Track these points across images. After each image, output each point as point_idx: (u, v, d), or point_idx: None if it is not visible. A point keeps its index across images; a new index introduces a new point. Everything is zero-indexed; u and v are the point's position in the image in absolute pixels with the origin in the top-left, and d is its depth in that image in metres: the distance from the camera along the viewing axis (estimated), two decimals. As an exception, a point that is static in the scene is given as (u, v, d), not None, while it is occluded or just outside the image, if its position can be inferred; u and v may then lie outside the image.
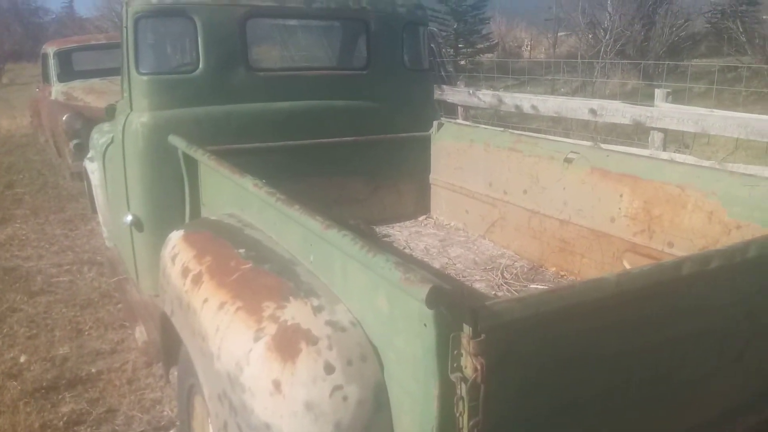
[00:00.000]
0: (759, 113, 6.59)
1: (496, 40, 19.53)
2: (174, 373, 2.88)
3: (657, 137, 5.84)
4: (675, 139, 7.22)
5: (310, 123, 4.01)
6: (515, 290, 3.27)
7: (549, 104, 6.84)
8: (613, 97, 10.48)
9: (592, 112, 6.33)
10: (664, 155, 5.78)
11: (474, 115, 9.62)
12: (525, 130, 7.49)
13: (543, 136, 7.12)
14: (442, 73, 9.52)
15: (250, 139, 3.78)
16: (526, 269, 3.53)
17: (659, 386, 1.91)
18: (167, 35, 3.78)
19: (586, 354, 1.71)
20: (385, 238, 4.08)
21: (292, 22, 4.51)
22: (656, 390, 1.91)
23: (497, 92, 7.70)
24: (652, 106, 5.78)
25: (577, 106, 6.53)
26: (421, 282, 1.41)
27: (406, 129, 4.37)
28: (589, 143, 6.53)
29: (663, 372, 1.91)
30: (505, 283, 3.34)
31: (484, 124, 8.72)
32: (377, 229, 4.25)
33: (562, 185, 3.40)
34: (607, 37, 13.33)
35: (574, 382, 1.68)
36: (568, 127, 9.03)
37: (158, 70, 3.57)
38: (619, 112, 6.07)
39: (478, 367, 1.38)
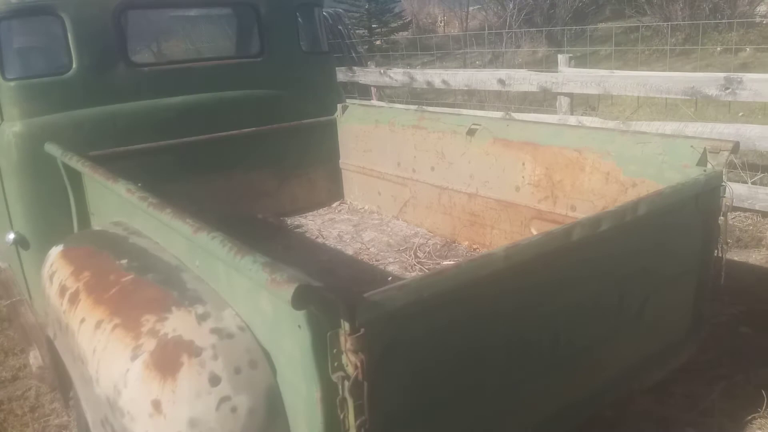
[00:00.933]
0: (660, 70, 6.83)
1: (410, 18, 19.49)
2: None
3: (564, 102, 5.93)
4: (582, 102, 7.40)
5: (204, 117, 3.81)
6: (428, 269, 3.22)
7: (459, 78, 6.84)
8: (524, 66, 10.64)
9: (501, 82, 6.37)
10: (572, 119, 5.88)
11: (389, 94, 9.55)
12: (441, 106, 7.49)
13: (457, 110, 7.14)
14: (353, 55, 9.38)
15: (141, 139, 3.55)
16: (439, 246, 3.49)
17: (560, 354, 1.89)
18: (34, 35, 3.48)
19: (478, 335, 1.66)
20: (297, 230, 3.96)
21: (178, 12, 4.26)
22: (557, 359, 1.89)
23: (408, 70, 7.65)
24: (557, 72, 5.86)
25: (486, 78, 6.55)
26: (287, 282, 1.30)
27: (310, 115, 4.23)
28: (501, 114, 6.58)
29: (563, 340, 1.89)
30: (419, 262, 3.29)
31: (400, 102, 8.66)
32: (289, 221, 4.11)
33: (467, 159, 3.36)
34: (511, 6, 13.51)
35: (468, 365, 1.63)
36: (483, 99, 9.10)
37: (27, 74, 3.28)
38: (526, 80, 6.13)
39: (359, 364, 1.29)
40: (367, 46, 12.56)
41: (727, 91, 4.59)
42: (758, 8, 12.79)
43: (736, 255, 4.63)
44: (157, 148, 3.60)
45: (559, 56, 5.85)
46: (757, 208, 4.84)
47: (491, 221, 3.30)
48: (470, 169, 3.35)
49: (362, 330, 1.31)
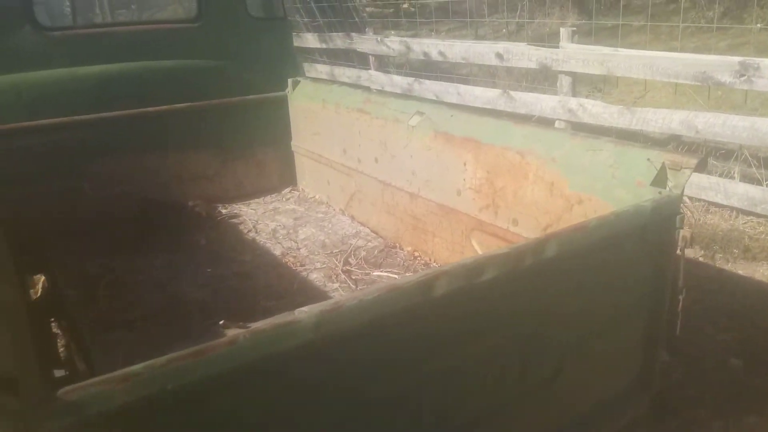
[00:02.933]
0: (693, 47, 6.10)
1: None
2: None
3: (565, 81, 5.34)
4: (588, 82, 6.71)
5: (129, 89, 3.39)
6: (355, 278, 2.78)
7: (456, 50, 6.26)
8: (548, 38, 9.88)
9: (499, 56, 5.78)
10: (573, 101, 5.30)
11: (396, 63, 8.94)
12: (443, 80, 6.88)
13: (455, 85, 6.55)
14: (356, 20, 8.81)
15: (52, 113, 3.16)
16: (377, 251, 3.04)
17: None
18: None
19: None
20: (233, 220, 3.54)
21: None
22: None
23: (405, 39, 7.07)
24: (558, 47, 5.26)
25: (484, 51, 5.96)
26: None
27: (259, 89, 3.78)
28: (498, 92, 6.00)
29: (429, 419, 1.45)
30: (348, 270, 2.85)
31: (403, 75, 8.03)
32: (228, 209, 3.70)
33: (409, 153, 2.88)
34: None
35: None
36: (493, 73, 8.46)
37: None
38: (525, 55, 5.53)
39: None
40: (370, 10, 11.78)
41: (742, 79, 3.96)
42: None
43: (741, 268, 4.07)
44: (71, 123, 3.21)
45: (561, 29, 5.24)
46: (770, 213, 4.24)
47: (432, 227, 2.83)
48: (412, 165, 2.87)
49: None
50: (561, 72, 5.30)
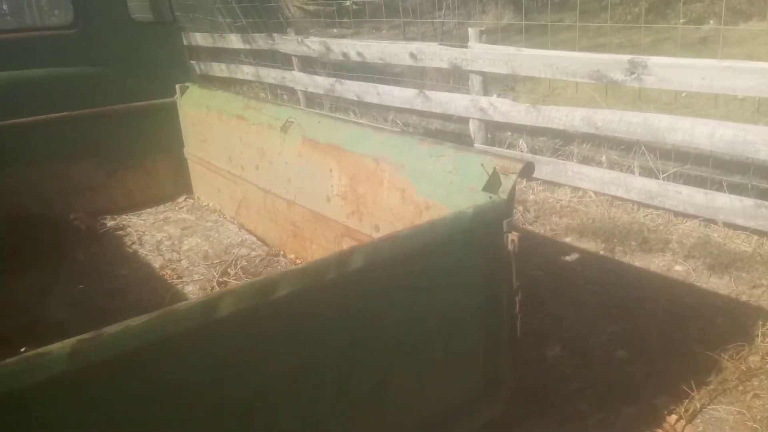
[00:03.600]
0: (618, 42, 6.21)
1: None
2: None
3: (476, 80, 5.38)
4: (500, 82, 6.77)
5: (3, 100, 3.24)
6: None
7: (373, 50, 6.25)
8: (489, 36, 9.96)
9: (413, 56, 5.79)
10: (484, 100, 5.34)
11: (334, 64, 8.85)
12: (386, 81, 6.81)
13: (373, 85, 6.54)
14: (280, 19, 8.70)
15: None
16: (258, 260, 2.99)
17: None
18: None
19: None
20: (118, 232, 3.44)
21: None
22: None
23: (324, 39, 7.01)
24: (466, 47, 5.29)
25: (398, 51, 5.97)
26: None
27: (145, 96, 3.67)
28: (416, 91, 6.02)
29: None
30: (224, 281, 2.79)
31: (330, 76, 7.97)
32: (115, 221, 3.59)
33: (283, 159, 2.84)
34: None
35: None
36: (425, 73, 8.47)
37: None
38: (437, 55, 5.55)
39: None
40: (311, 8, 11.69)
41: (633, 76, 4.06)
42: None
43: (638, 259, 4.17)
44: None
45: (470, 30, 5.27)
46: (667, 206, 4.36)
47: (309, 234, 2.80)
48: (287, 172, 2.83)
49: None
50: (471, 71, 5.34)
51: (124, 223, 3.56)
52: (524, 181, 5.33)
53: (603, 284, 3.89)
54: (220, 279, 2.79)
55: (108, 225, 3.50)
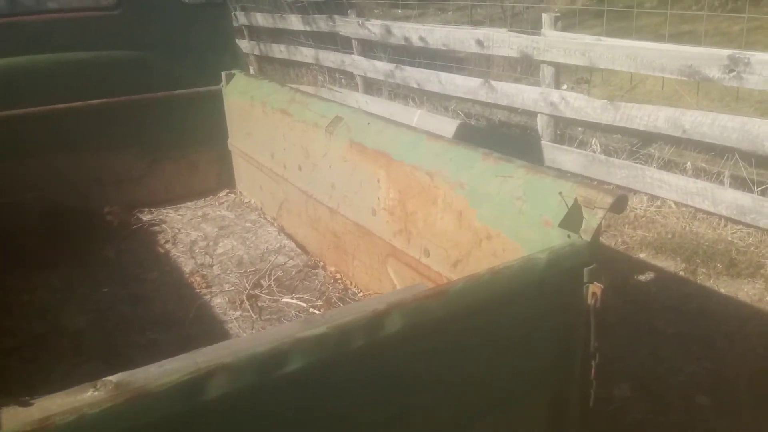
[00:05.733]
0: (704, 30, 5.59)
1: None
2: None
3: (547, 71, 4.91)
4: (574, 73, 6.19)
5: (41, 84, 3.07)
6: (261, 305, 2.46)
7: (436, 35, 5.84)
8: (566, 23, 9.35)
9: (479, 43, 5.36)
10: (555, 94, 4.88)
11: (389, 49, 8.48)
12: (451, 69, 6.37)
13: (436, 73, 6.13)
14: (343, 0, 8.38)
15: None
16: (296, 271, 2.71)
17: None
18: None
19: None
20: (153, 227, 3.23)
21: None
22: None
23: (386, 22, 6.64)
24: (539, 35, 4.83)
25: (464, 37, 5.55)
26: None
27: (191, 83, 3.43)
28: (480, 81, 5.60)
29: None
30: (255, 295, 2.52)
31: (390, 62, 7.56)
32: (155, 214, 3.38)
33: (328, 162, 2.53)
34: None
35: None
36: (492, 62, 7.98)
37: None
38: (505, 42, 5.11)
39: None
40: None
41: (731, 75, 3.53)
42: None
43: (724, 285, 3.68)
44: None
45: (543, 15, 4.81)
46: (761, 225, 3.83)
47: (352, 248, 2.49)
48: (331, 177, 2.52)
49: None
50: (543, 62, 4.88)
51: (161, 217, 3.35)
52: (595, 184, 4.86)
53: (682, 312, 3.44)
54: (251, 292, 2.52)
55: (144, 219, 3.30)
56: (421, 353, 1.22)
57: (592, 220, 1.45)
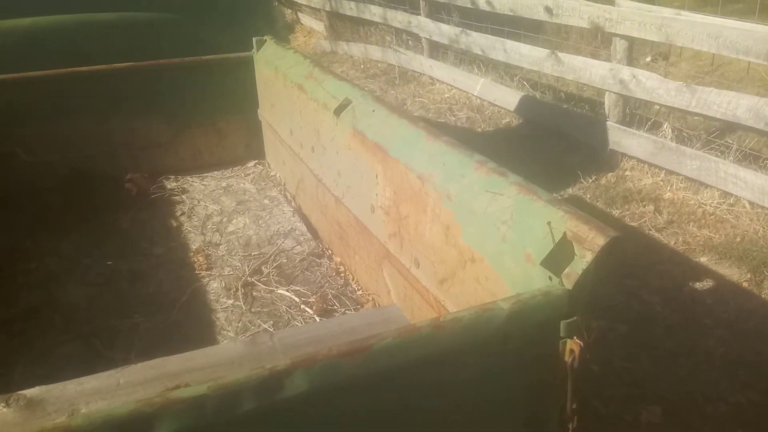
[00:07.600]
0: None
1: None
2: None
3: (619, 46, 4.45)
4: (650, 48, 5.55)
5: (66, 45, 3.03)
6: (255, 295, 2.34)
7: (504, 0, 5.43)
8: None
9: (548, 10, 4.92)
10: (626, 71, 4.42)
11: (455, 12, 8.05)
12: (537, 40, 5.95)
13: (502, 40, 5.71)
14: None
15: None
16: (300, 258, 2.56)
17: None
18: None
19: None
20: (174, 197, 3.17)
21: None
22: None
23: (453, -18, 6.25)
24: (612, 5, 4.36)
25: (532, 3, 5.10)
26: None
27: (222, 48, 3.30)
28: (547, 52, 5.17)
29: None
30: (252, 283, 2.40)
31: (457, 26, 7.13)
32: (181, 182, 3.33)
33: (335, 147, 2.34)
34: None
35: None
36: (563, 32, 7.40)
37: None
38: (576, 11, 4.65)
39: None
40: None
41: (829, 64, 3.02)
42: None
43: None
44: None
45: (619, -17, 4.32)
46: None
47: (354, 243, 2.32)
48: (338, 164, 2.34)
49: None
50: (615, 34, 4.42)
51: (184, 185, 3.29)
52: (662, 174, 4.41)
53: (737, 331, 3.05)
54: (249, 279, 2.41)
55: (168, 187, 3.24)
56: (337, 416, 1.04)
57: (578, 262, 1.20)
